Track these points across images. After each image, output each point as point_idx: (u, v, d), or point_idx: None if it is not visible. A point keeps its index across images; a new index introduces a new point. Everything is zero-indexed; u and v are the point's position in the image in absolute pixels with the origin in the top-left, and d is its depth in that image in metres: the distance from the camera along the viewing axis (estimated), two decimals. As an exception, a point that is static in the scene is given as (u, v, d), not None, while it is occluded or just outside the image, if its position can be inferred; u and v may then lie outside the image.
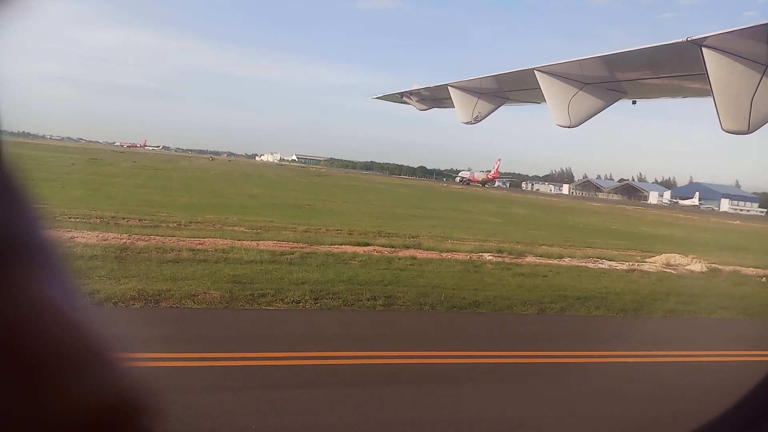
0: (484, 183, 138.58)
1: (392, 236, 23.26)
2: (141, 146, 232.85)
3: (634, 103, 17.01)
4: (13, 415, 0.45)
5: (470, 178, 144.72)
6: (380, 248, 19.42)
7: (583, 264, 20.86)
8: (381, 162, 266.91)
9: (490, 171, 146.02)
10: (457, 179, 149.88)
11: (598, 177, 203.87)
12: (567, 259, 21.45)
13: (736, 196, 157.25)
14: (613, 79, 15.76)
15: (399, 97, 25.98)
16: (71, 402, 0.47)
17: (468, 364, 9.24)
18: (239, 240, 18.16)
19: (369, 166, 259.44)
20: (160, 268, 13.36)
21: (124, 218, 20.80)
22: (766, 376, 1.86)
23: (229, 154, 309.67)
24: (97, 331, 0.51)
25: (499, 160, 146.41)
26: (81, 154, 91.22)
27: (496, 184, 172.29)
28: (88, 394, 0.48)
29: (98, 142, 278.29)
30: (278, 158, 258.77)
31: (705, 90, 12.41)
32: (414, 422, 6.96)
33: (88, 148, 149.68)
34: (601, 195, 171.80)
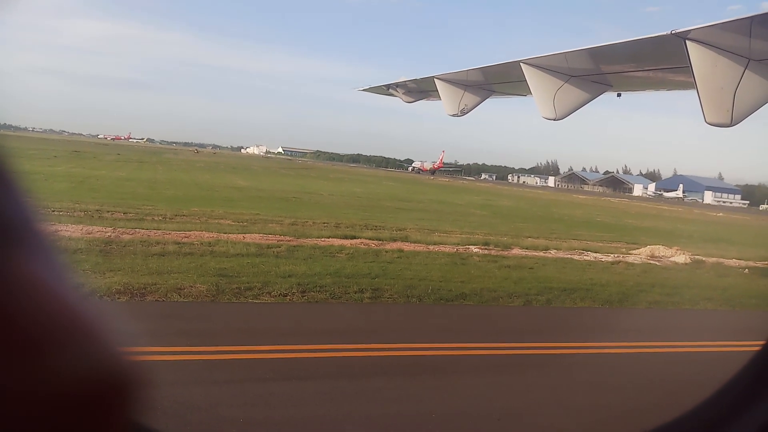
0: (432, 172, 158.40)
1: (379, 229, 23.28)
2: (125, 138, 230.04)
3: (619, 95, 17.15)
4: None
5: (421, 168, 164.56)
6: (367, 241, 19.42)
7: (569, 256, 21.01)
8: (368, 154, 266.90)
9: (435, 162, 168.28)
10: (410, 169, 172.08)
11: (584, 169, 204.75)
12: (553, 251, 21.58)
13: (719, 188, 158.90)
14: (598, 72, 15.86)
15: (386, 90, 25.99)
16: (61, 389, 0.47)
17: (455, 356, 9.29)
18: (225, 233, 18.07)
19: (356, 159, 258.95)
20: (146, 261, 13.27)
21: (108, 211, 20.60)
22: (745, 366, 1.89)
23: (215, 146, 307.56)
24: (93, 321, 0.51)
25: (443, 151, 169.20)
26: (64, 147, 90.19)
27: (483, 176, 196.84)
28: (78, 383, 0.48)
29: (81, 134, 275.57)
30: (264, 151, 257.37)
31: (689, 83, 12.52)
32: (401, 414, 7.00)
33: (71, 141, 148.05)
34: (586, 187, 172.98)
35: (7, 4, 0.65)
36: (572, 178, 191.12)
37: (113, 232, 16.25)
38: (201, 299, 11.07)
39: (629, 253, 22.81)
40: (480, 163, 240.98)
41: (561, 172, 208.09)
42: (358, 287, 12.78)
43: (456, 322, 11.74)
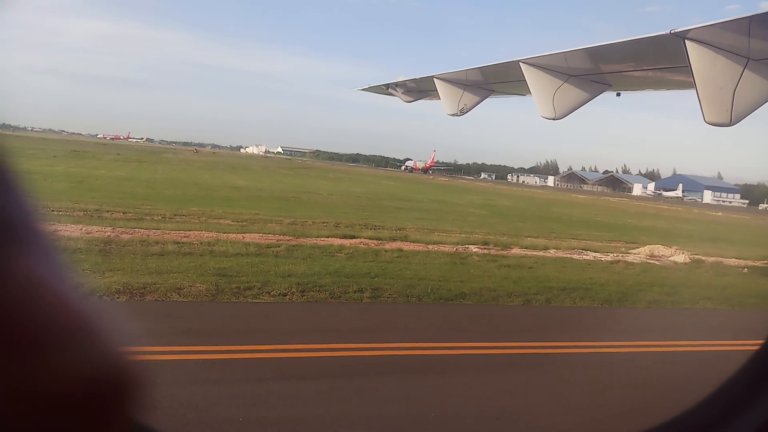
0: (425, 171, 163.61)
1: (379, 228, 23.28)
2: (124, 138, 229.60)
3: (618, 95, 17.16)
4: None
5: (413, 167, 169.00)
6: (367, 241, 19.42)
7: (568, 255, 21.01)
8: (367, 154, 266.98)
9: (427, 161, 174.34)
10: (403, 168, 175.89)
11: (583, 169, 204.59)
12: (552, 251, 21.59)
13: (718, 187, 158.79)
14: (597, 72, 15.86)
15: (385, 89, 25.99)
16: (61, 388, 0.48)
17: (454, 356, 9.29)
18: (224, 233, 18.07)
19: (355, 158, 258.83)
20: (145, 261, 13.27)
21: (107, 211, 20.60)
22: (744, 365, 1.89)
23: (214, 146, 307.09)
24: (92, 320, 0.51)
25: (435, 150, 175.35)
26: (63, 146, 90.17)
27: (482, 176, 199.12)
28: (78, 382, 0.48)
29: (80, 134, 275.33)
30: (263, 150, 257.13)
31: (688, 82, 12.52)
32: (400, 413, 7.00)
33: (70, 140, 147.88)
34: (585, 187, 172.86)
35: (7, 4, 0.65)
36: (572, 177, 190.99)
37: (112, 232, 16.25)
38: (200, 299, 11.07)
39: (629, 253, 22.82)
40: (479, 163, 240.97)
41: (560, 171, 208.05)
42: (358, 287, 12.78)
43: (455, 321, 11.74)
